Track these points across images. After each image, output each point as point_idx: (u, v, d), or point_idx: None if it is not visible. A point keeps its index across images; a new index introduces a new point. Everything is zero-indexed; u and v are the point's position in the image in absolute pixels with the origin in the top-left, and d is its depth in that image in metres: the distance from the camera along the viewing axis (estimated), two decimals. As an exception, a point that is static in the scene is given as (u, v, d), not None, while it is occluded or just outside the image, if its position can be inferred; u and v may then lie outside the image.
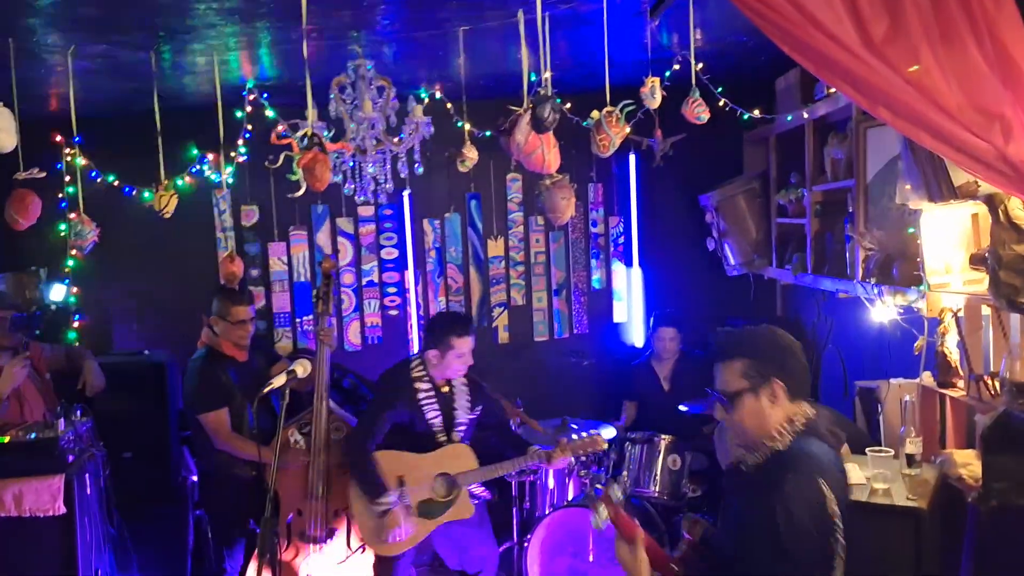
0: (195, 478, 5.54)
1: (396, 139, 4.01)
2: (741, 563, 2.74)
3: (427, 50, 4.98)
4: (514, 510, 5.55)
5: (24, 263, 6.06)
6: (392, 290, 7.06)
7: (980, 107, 2.62)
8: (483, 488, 4.93)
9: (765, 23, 2.67)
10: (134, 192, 5.22)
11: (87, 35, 4.24)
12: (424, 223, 7.04)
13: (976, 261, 3.86)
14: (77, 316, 6.25)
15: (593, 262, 7.32)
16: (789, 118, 5.76)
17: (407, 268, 7.07)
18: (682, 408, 5.64)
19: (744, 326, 3.09)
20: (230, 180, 5.53)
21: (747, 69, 5.87)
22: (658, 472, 5.20)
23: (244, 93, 5.36)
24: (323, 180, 3.56)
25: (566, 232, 7.22)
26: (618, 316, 7.39)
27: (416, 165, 4.03)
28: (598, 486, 3.02)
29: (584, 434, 4.82)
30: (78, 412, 4.63)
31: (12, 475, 4.23)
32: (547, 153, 3.80)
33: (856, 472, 3.95)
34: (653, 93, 4.16)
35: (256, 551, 4.58)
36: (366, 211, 6.94)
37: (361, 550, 4.87)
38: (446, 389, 4.79)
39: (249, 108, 5.38)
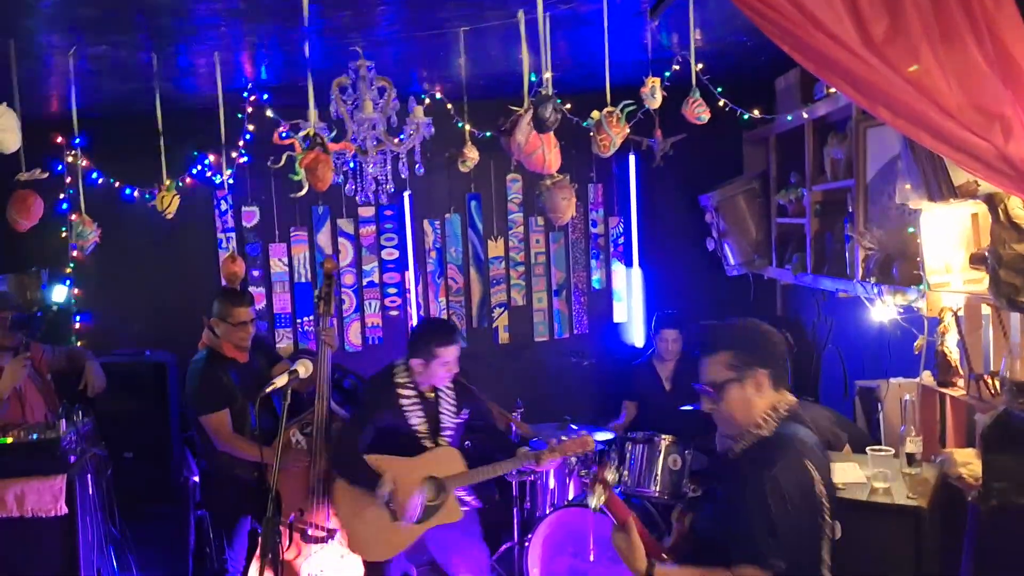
0: (196, 478, 5.54)
1: (397, 140, 4.02)
2: (733, 543, 2.79)
3: (428, 51, 4.98)
4: (514, 510, 5.55)
5: (25, 264, 6.07)
6: (392, 291, 7.07)
7: (980, 106, 2.63)
8: (472, 496, 4.87)
9: (765, 23, 2.67)
10: (135, 193, 5.23)
11: (88, 36, 4.25)
12: (424, 224, 7.04)
13: (976, 260, 3.87)
14: (78, 317, 6.26)
15: (593, 262, 7.32)
16: (789, 118, 5.76)
17: (407, 269, 7.08)
18: (684, 408, 5.63)
19: (726, 320, 3.17)
20: (231, 181, 5.54)
21: (747, 69, 5.88)
22: (659, 472, 5.20)
23: (245, 94, 5.36)
24: (325, 180, 3.56)
25: (566, 232, 7.22)
26: (618, 316, 7.40)
27: (417, 166, 4.04)
28: (594, 466, 3.07)
29: (573, 435, 4.76)
30: (79, 413, 4.64)
31: (14, 475, 4.25)
32: (548, 153, 3.80)
33: (856, 471, 3.96)
34: (653, 93, 4.17)
35: (258, 551, 4.58)
36: (367, 212, 6.95)
37: None
38: (431, 395, 4.72)
39: (250, 109, 5.39)
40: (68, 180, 5.11)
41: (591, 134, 4.02)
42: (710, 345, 3.01)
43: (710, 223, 6.75)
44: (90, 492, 4.54)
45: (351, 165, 4.07)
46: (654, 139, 5.36)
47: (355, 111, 3.79)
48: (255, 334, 5.17)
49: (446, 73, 5.57)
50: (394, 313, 7.06)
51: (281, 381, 3.57)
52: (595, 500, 3.03)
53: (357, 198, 4.31)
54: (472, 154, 4.91)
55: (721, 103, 4.91)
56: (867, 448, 4.08)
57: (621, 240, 7.34)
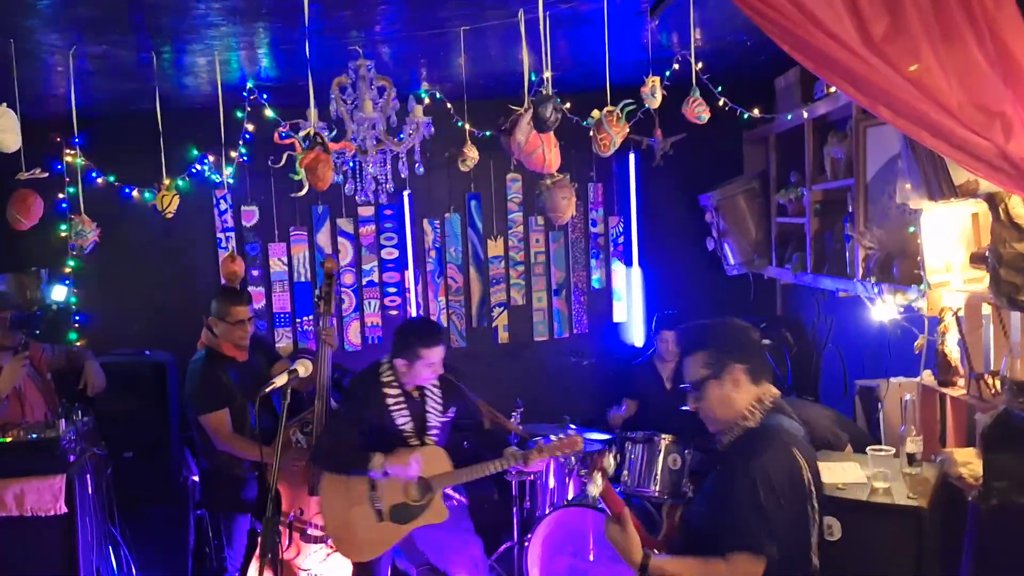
0: (195, 478, 5.54)
1: (396, 139, 4.02)
2: (725, 532, 2.86)
3: (428, 50, 4.98)
4: (514, 509, 5.54)
5: (25, 263, 6.06)
6: (392, 290, 7.06)
7: (981, 105, 2.63)
8: (459, 492, 4.85)
9: (765, 22, 2.67)
10: (135, 192, 5.23)
11: (87, 35, 4.25)
12: (424, 223, 7.04)
13: (976, 259, 3.87)
14: (78, 316, 6.26)
15: (593, 262, 7.32)
16: (789, 117, 5.76)
17: (407, 268, 7.08)
18: (685, 407, 5.63)
19: (704, 321, 3.29)
20: (230, 180, 5.54)
21: (747, 68, 5.88)
22: (659, 472, 5.19)
23: (244, 93, 5.36)
24: (325, 180, 3.56)
25: (566, 232, 7.22)
26: (618, 316, 7.40)
27: (416, 165, 4.04)
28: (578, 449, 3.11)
29: (561, 435, 4.71)
30: (79, 412, 4.63)
31: (14, 475, 4.24)
32: (548, 152, 3.80)
33: (856, 471, 3.95)
34: (653, 92, 4.17)
35: (258, 550, 4.58)
36: (366, 211, 6.95)
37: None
38: (417, 394, 4.67)
39: (249, 108, 5.39)
40: (67, 180, 5.10)
41: (591, 133, 4.02)
42: (688, 346, 3.15)
43: (710, 223, 6.75)
44: (90, 492, 4.54)
45: (351, 164, 4.07)
46: (654, 138, 5.37)
47: (355, 110, 3.79)
48: (254, 333, 5.17)
49: (446, 72, 5.57)
50: (394, 313, 7.05)
51: (281, 380, 3.57)
52: (595, 488, 3.11)
53: (357, 197, 4.31)
54: (472, 153, 4.91)
55: (721, 102, 4.91)
56: (867, 448, 4.08)
57: (621, 239, 7.34)
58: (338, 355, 6.04)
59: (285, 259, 6.88)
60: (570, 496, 5.60)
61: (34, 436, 4.39)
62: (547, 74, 3.72)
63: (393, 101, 3.91)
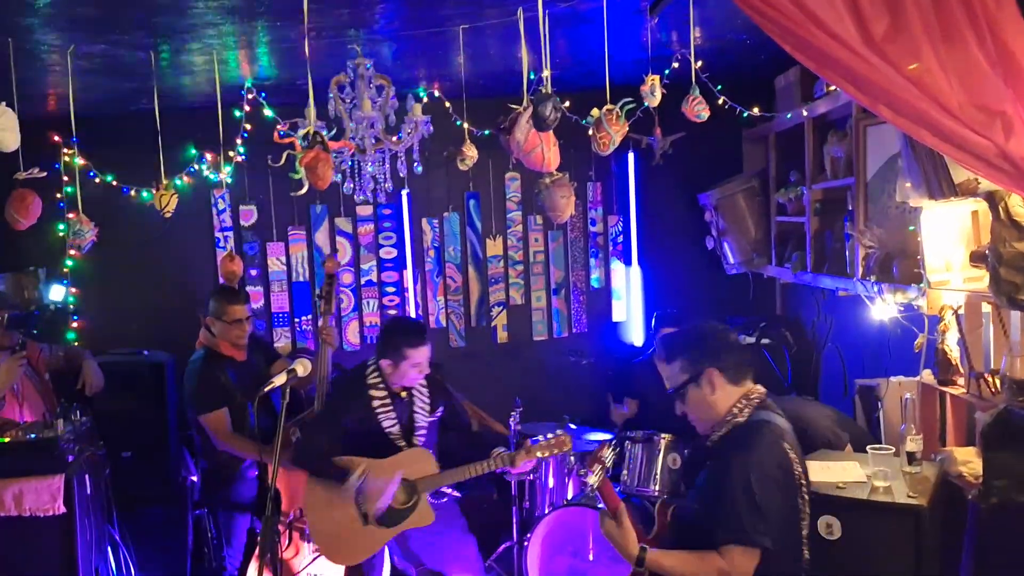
0: (194, 478, 5.53)
1: (395, 138, 4.01)
2: (718, 525, 2.91)
3: (426, 49, 4.97)
4: (514, 509, 5.53)
5: (23, 263, 6.05)
6: (391, 290, 7.06)
7: (981, 104, 2.62)
8: (450, 487, 4.80)
9: (765, 21, 2.66)
10: (132, 192, 5.22)
11: (86, 35, 4.24)
12: (423, 222, 7.04)
13: (976, 258, 3.86)
14: (76, 316, 6.25)
15: (592, 261, 7.32)
16: (789, 116, 5.76)
17: (406, 268, 7.07)
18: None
19: (683, 327, 3.41)
20: (229, 180, 5.53)
21: (746, 67, 5.87)
22: (658, 471, 5.18)
23: (243, 92, 5.35)
24: (325, 179, 3.55)
25: (565, 231, 7.22)
26: (617, 315, 7.40)
27: (415, 164, 4.03)
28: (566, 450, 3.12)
29: (550, 435, 4.67)
30: (77, 412, 4.63)
31: (12, 475, 4.23)
32: (547, 151, 3.80)
33: (856, 470, 3.95)
34: (653, 91, 4.16)
35: (257, 549, 4.57)
36: (365, 210, 6.94)
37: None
38: (404, 394, 4.62)
39: (247, 108, 5.38)
40: (65, 179, 5.10)
41: (590, 132, 4.02)
42: (666, 354, 3.23)
43: (709, 222, 6.74)
44: (88, 492, 4.53)
45: (349, 164, 4.06)
46: (654, 137, 5.37)
47: (353, 109, 3.78)
48: (252, 332, 5.16)
49: (445, 71, 5.57)
50: (392, 312, 7.05)
51: (280, 380, 3.56)
52: (595, 478, 3.17)
53: (355, 197, 4.30)
54: (471, 152, 4.90)
55: (721, 101, 4.91)
56: (867, 447, 4.07)
57: (620, 239, 7.34)
58: (337, 355, 6.01)
59: (283, 259, 6.87)
60: (569, 496, 5.59)
61: (32, 436, 4.38)
62: (546, 73, 3.72)
63: (392, 100, 3.90)
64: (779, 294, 7.15)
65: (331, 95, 3.77)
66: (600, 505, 3.26)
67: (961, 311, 4.08)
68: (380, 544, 4.55)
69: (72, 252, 5.16)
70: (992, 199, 3.37)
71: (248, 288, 6.48)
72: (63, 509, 4.26)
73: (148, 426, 6.12)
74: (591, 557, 5.03)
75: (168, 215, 4.79)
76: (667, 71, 4.68)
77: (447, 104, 5.49)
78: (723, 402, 3.10)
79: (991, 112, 2.63)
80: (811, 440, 4.57)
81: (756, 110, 5.41)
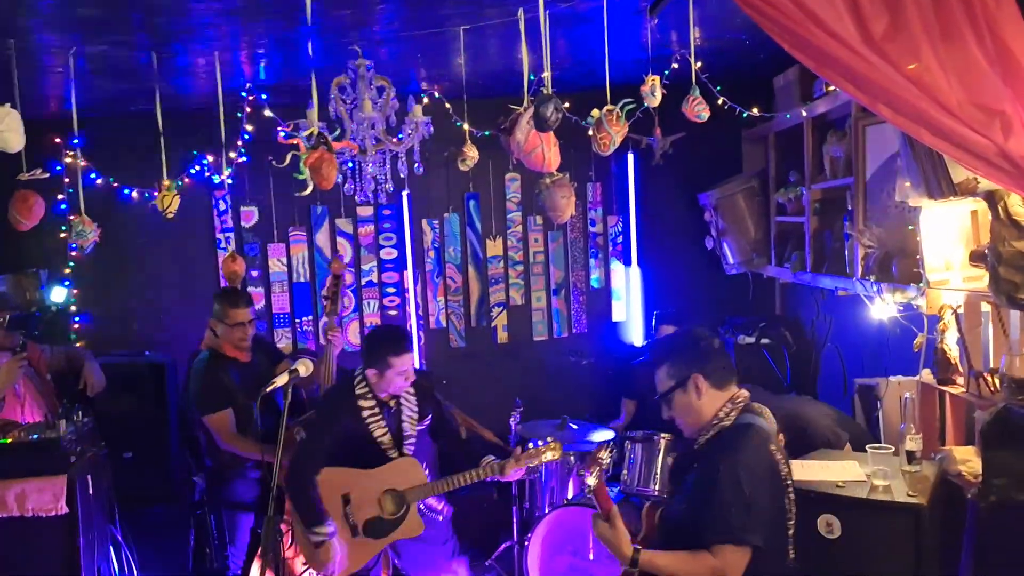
0: (196, 478, 5.54)
1: (395, 139, 4.02)
2: (708, 526, 2.96)
3: (427, 49, 4.98)
4: (514, 509, 5.54)
5: (24, 264, 6.06)
6: (391, 290, 7.07)
7: (980, 104, 2.63)
8: (443, 503, 4.77)
9: (765, 20, 2.67)
10: (134, 193, 5.23)
11: (87, 36, 4.25)
12: (423, 223, 7.04)
13: (976, 258, 3.87)
14: (77, 317, 6.26)
15: (592, 261, 7.33)
16: (788, 116, 5.77)
17: (406, 268, 7.08)
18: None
19: (667, 335, 3.49)
20: (229, 181, 5.54)
21: (746, 67, 5.88)
22: (658, 471, 5.19)
23: (243, 94, 5.36)
24: (330, 179, 3.56)
25: (565, 231, 7.22)
26: (617, 315, 7.40)
27: (416, 165, 4.03)
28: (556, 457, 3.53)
29: (540, 442, 4.64)
30: (79, 412, 4.64)
31: (15, 475, 4.25)
32: (547, 151, 3.81)
33: (856, 469, 3.96)
34: (653, 91, 4.17)
35: (259, 549, 4.58)
36: (365, 211, 6.95)
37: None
38: (392, 403, 4.59)
39: (248, 109, 5.39)
40: (67, 180, 5.10)
41: (590, 133, 4.02)
42: (652, 361, 3.32)
43: (709, 222, 6.75)
44: (90, 492, 4.54)
45: (350, 164, 4.07)
46: (653, 137, 5.38)
47: (354, 110, 3.79)
48: (256, 333, 5.18)
49: (445, 72, 5.57)
50: (393, 313, 7.06)
51: (281, 380, 3.58)
52: (592, 479, 3.22)
53: (356, 197, 4.31)
54: (471, 153, 4.91)
55: (720, 101, 4.91)
56: (867, 446, 4.09)
57: (620, 239, 7.35)
58: (339, 355, 6.04)
59: (284, 259, 6.88)
60: (570, 495, 5.60)
61: (35, 437, 4.40)
62: (547, 73, 3.73)
63: (392, 101, 3.91)
64: (779, 294, 7.15)
65: (332, 96, 3.78)
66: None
67: (960, 310, 4.09)
68: (369, 556, 4.52)
69: (74, 253, 5.16)
70: (991, 198, 3.38)
71: (249, 289, 6.48)
72: (65, 509, 4.28)
73: (149, 426, 6.12)
74: (591, 556, 5.03)
75: (170, 216, 4.80)
76: (667, 71, 4.68)
77: (447, 105, 5.50)
78: (709, 407, 3.17)
79: (990, 111, 2.63)
80: (811, 439, 4.59)
81: (755, 110, 5.41)
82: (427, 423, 4.74)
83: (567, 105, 3.87)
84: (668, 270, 7.30)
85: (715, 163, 6.80)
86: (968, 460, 3.80)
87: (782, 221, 6.25)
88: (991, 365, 3.99)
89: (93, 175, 5.20)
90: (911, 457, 3.97)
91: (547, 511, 5.31)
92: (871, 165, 4.86)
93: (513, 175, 7.04)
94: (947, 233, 4.08)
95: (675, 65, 4.71)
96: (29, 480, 4.26)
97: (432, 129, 4.01)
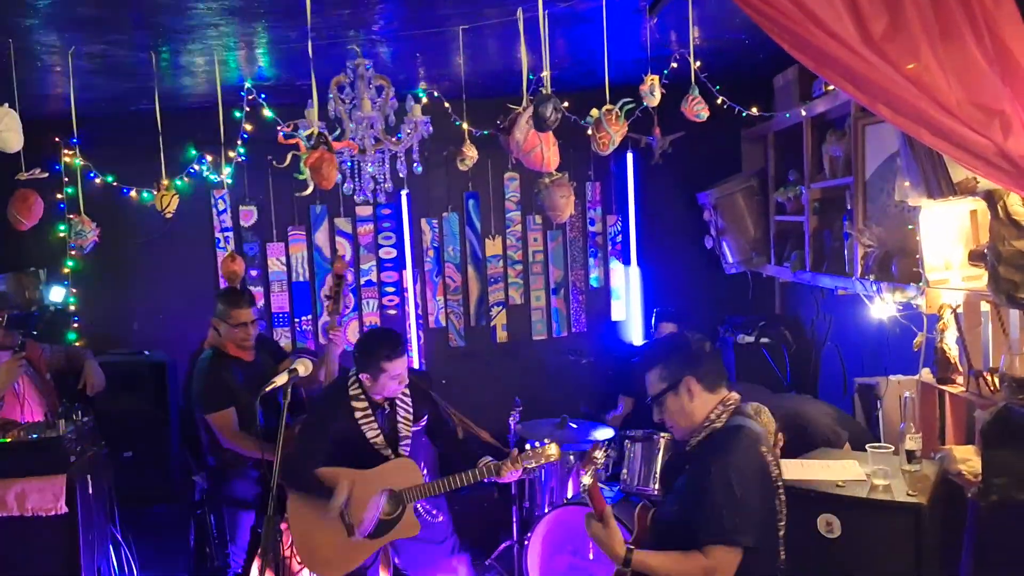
0: (196, 477, 5.54)
1: (395, 138, 4.02)
2: (700, 527, 2.98)
3: (426, 49, 4.98)
4: (514, 508, 5.54)
5: (24, 263, 6.06)
6: (390, 290, 7.07)
7: (979, 103, 2.63)
8: (440, 511, 4.76)
9: (764, 20, 2.67)
10: (132, 192, 5.23)
11: (86, 35, 4.25)
12: (422, 222, 7.05)
13: (975, 257, 3.87)
14: (76, 317, 6.26)
15: (591, 261, 7.33)
16: (787, 115, 5.77)
17: (405, 268, 7.08)
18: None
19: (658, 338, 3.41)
20: (229, 180, 5.54)
21: (745, 67, 5.88)
22: (657, 470, 5.17)
23: (242, 93, 5.36)
24: (330, 179, 3.56)
25: (564, 231, 7.23)
26: (616, 314, 7.40)
27: (415, 164, 4.03)
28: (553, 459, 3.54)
29: (537, 444, 4.65)
30: (79, 412, 4.64)
31: (15, 475, 4.25)
32: (546, 151, 3.80)
33: (856, 468, 3.96)
34: (652, 91, 4.17)
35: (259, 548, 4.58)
36: (364, 211, 6.95)
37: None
38: (387, 405, 4.57)
39: (247, 108, 5.39)
40: (66, 180, 5.10)
41: (590, 132, 4.02)
42: (645, 364, 3.32)
43: (708, 221, 6.75)
44: (90, 491, 4.54)
45: (349, 164, 4.07)
46: (653, 137, 5.37)
47: (353, 110, 3.79)
48: (259, 333, 5.18)
49: (444, 71, 5.57)
50: (392, 312, 7.06)
51: (281, 380, 3.58)
52: (587, 478, 3.21)
53: (355, 197, 4.31)
54: (471, 152, 4.90)
55: (719, 101, 4.91)
56: (867, 445, 4.09)
57: (619, 238, 7.35)
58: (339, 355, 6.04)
59: (283, 259, 6.88)
60: (569, 495, 5.60)
61: (35, 436, 4.40)
62: (546, 73, 3.72)
63: (391, 100, 3.91)
64: (778, 293, 7.16)
65: (331, 95, 3.78)
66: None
67: (960, 310, 4.09)
68: (365, 556, 4.50)
69: (74, 252, 5.17)
70: (991, 198, 3.38)
71: (251, 290, 6.48)
72: (65, 509, 4.28)
73: (149, 426, 6.12)
74: (591, 556, 5.03)
75: (169, 216, 4.80)
76: (666, 71, 4.68)
77: (446, 104, 5.50)
78: (701, 409, 3.18)
79: (990, 111, 2.64)
80: (811, 438, 4.58)
81: (755, 110, 5.41)
82: (423, 424, 4.73)
83: (566, 105, 3.87)
84: (667, 269, 7.30)
85: (714, 162, 6.80)
86: (968, 459, 3.80)
87: (781, 220, 6.25)
88: (991, 364, 3.99)
89: (92, 175, 5.20)
90: (911, 456, 3.97)
91: (547, 510, 5.31)
92: (870, 164, 4.86)
93: (512, 174, 7.04)
94: (946, 232, 4.08)
95: (674, 64, 4.71)
96: (29, 479, 4.26)
97: (431, 129, 4.00)
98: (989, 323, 4.07)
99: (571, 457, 5.50)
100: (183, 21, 4.09)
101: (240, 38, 4.47)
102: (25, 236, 4.66)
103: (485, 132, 5.20)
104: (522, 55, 3.82)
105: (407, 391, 4.61)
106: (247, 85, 5.35)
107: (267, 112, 5.39)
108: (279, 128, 3.93)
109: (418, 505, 4.58)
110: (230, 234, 6.77)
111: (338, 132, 3.81)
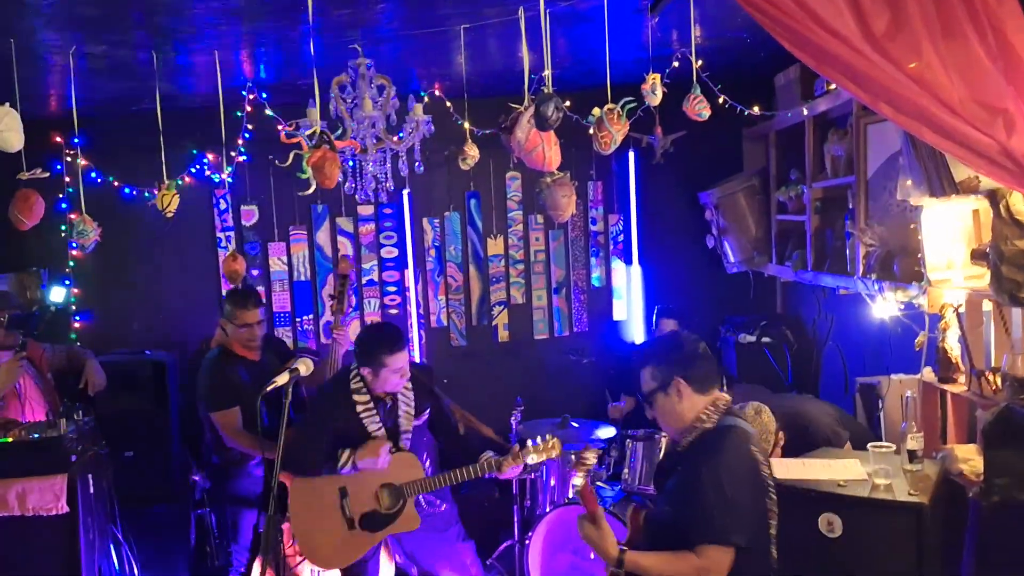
0: (196, 477, 5.55)
1: (396, 138, 4.02)
2: (692, 527, 2.99)
3: (427, 48, 4.98)
4: (515, 508, 5.54)
5: (25, 263, 6.07)
6: (392, 289, 7.07)
7: (982, 102, 2.63)
8: (443, 501, 4.78)
9: (766, 19, 2.67)
10: (134, 192, 5.24)
11: (87, 35, 4.25)
12: (424, 222, 7.04)
13: (977, 256, 3.87)
14: (77, 316, 6.26)
15: (593, 260, 7.32)
16: (789, 114, 5.75)
17: (407, 267, 7.08)
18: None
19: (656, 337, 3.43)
20: (230, 180, 5.54)
21: (746, 65, 5.87)
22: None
23: (244, 93, 5.36)
24: (332, 178, 3.56)
25: (565, 230, 7.22)
26: (618, 314, 7.40)
27: (416, 164, 4.03)
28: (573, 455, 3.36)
29: (539, 440, 4.57)
30: (80, 411, 4.64)
31: (16, 474, 4.25)
32: (548, 150, 3.80)
33: (857, 467, 3.96)
34: (654, 90, 4.16)
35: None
36: (366, 210, 6.95)
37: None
38: (389, 399, 4.57)
39: (249, 108, 5.39)
40: (67, 179, 5.11)
41: (591, 131, 4.02)
42: (639, 361, 3.33)
43: (710, 220, 6.75)
44: (91, 491, 4.54)
45: (350, 163, 4.07)
46: (654, 136, 5.37)
47: (355, 109, 3.79)
48: (266, 333, 5.20)
49: (446, 71, 5.57)
50: (394, 311, 7.06)
51: (282, 379, 3.59)
52: (578, 479, 3.22)
53: (356, 196, 4.31)
54: (472, 152, 4.90)
55: (721, 100, 4.90)
56: (868, 445, 4.08)
57: (621, 238, 7.34)
58: (344, 354, 6.04)
59: (285, 258, 6.88)
60: (570, 494, 5.60)
61: (36, 436, 4.40)
62: (547, 72, 3.72)
63: (393, 100, 3.91)
64: (780, 292, 7.15)
65: (332, 95, 3.78)
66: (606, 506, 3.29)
67: (962, 309, 4.08)
68: (365, 549, 4.51)
69: (75, 252, 5.17)
70: (993, 197, 3.38)
71: (259, 291, 6.48)
72: (66, 508, 4.28)
73: (150, 425, 6.13)
74: (592, 555, 5.02)
75: (170, 215, 4.80)
76: (668, 70, 4.67)
77: (448, 104, 5.50)
78: (690, 410, 3.18)
79: (992, 109, 2.63)
80: (812, 438, 4.58)
81: (756, 109, 5.40)
82: (425, 418, 4.73)
83: (568, 104, 3.87)
84: (669, 269, 7.30)
85: (716, 162, 6.80)
86: (970, 459, 3.79)
87: (783, 219, 6.25)
88: (993, 364, 3.98)
89: (94, 174, 5.20)
90: (912, 456, 3.97)
91: (548, 510, 5.31)
92: (872, 163, 4.85)
93: (514, 174, 7.04)
94: (949, 231, 4.08)
95: (676, 64, 4.70)
96: (30, 479, 4.26)
97: (433, 128, 4.01)
98: (991, 322, 4.06)
99: (572, 456, 5.50)
100: (184, 21, 4.10)
101: (241, 38, 4.47)
102: (26, 236, 4.66)
103: (487, 131, 5.20)
104: (523, 54, 3.81)
105: (409, 384, 4.62)
106: (248, 85, 5.35)
107: (268, 112, 5.40)
108: (280, 128, 3.92)
109: (420, 497, 4.59)
110: (231, 233, 6.77)
111: (340, 132, 3.80)
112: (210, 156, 5.63)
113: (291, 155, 3.68)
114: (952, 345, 4.15)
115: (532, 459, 4.53)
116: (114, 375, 5.41)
